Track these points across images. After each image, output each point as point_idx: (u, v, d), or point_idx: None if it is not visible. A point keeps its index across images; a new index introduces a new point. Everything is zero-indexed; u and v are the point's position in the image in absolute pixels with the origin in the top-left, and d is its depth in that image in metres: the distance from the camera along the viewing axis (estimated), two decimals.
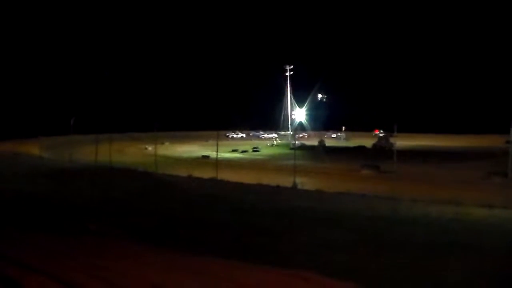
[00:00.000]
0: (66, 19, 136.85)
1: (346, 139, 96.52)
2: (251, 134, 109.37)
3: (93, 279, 6.91)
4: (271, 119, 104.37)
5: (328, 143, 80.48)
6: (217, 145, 31.80)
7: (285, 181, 24.98)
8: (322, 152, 58.89)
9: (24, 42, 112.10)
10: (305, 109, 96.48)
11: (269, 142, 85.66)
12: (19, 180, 24.25)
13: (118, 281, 6.87)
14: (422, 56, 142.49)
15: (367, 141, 72.36)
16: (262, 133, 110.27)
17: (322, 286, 7.46)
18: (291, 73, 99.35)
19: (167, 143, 69.93)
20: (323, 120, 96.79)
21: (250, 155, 61.96)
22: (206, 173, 27.61)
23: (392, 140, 56.29)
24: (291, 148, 58.78)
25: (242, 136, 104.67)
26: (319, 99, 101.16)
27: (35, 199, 18.04)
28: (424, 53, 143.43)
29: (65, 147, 43.52)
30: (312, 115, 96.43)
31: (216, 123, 66.48)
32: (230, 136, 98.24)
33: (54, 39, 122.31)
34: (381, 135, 67.90)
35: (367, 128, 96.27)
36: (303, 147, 65.30)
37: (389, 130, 55.38)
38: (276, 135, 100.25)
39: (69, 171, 30.82)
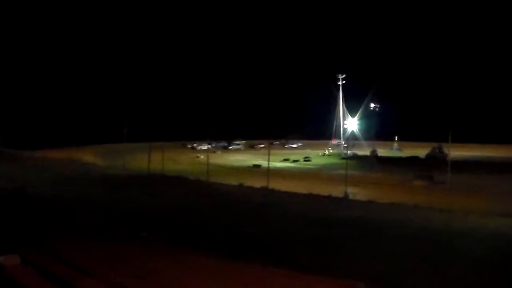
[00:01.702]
0: (119, 30, 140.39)
1: (400, 149, 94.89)
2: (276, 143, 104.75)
3: (143, 283, 7.16)
4: (324, 128, 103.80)
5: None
6: (269, 154, 31.96)
7: (337, 191, 24.88)
8: (374, 162, 58.25)
9: (80, 53, 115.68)
10: (357, 118, 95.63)
11: (321, 151, 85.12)
12: (74, 186, 25.08)
13: (167, 286, 7.11)
14: (478, 65, 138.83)
15: (421, 151, 70.94)
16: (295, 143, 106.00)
17: None
18: (344, 82, 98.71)
19: (219, 152, 70.74)
20: (375, 129, 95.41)
21: (301, 165, 61.84)
22: (257, 182, 27.77)
23: (446, 150, 55.19)
24: (343, 158, 58.44)
25: (297, 146, 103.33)
26: (372, 108, 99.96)
27: (90, 204, 18.63)
28: (481, 62, 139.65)
29: (119, 155, 44.60)
30: (365, 125, 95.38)
31: (268, 132, 66.77)
32: (230, 148, 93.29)
33: (109, 50, 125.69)
34: (434, 148, 66.11)
35: (421, 138, 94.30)
36: (355, 157, 64.78)
37: (443, 140, 54.12)
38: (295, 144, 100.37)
39: (122, 178, 31.62)
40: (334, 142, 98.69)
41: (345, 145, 75.31)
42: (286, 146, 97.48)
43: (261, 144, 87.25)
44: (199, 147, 75.61)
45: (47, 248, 9.42)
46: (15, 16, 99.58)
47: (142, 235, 12.44)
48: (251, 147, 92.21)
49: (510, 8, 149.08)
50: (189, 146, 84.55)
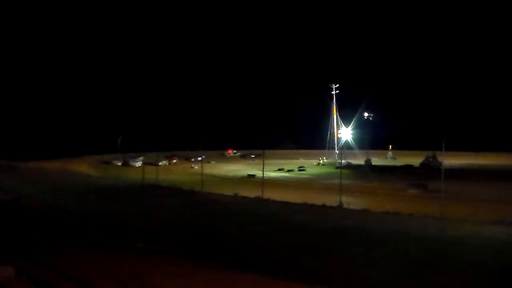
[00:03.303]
0: (112, 41, 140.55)
1: (394, 157, 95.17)
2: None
3: None
4: (317, 137, 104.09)
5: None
6: (263, 164, 31.95)
7: (331, 200, 24.88)
8: (368, 171, 58.37)
9: (75, 65, 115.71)
10: (351, 127, 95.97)
11: (316, 161, 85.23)
12: (68, 197, 25.02)
13: None
14: (471, 74, 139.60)
15: (415, 160, 71.21)
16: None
17: None
18: (337, 91, 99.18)
19: (213, 162, 70.66)
20: (369, 138, 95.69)
21: (295, 174, 61.92)
22: (252, 192, 27.75)
23: (439, 158, 55.36)
24: (337, 167, 58.46)
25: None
26: (365, 117, 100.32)
27: (85, 215, 18.60)
28: (474, 71, 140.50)
29: (113, 166, 44.56)
30: (359, 134, 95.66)
31: (262, 142, 66.75)
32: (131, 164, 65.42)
33: (104, 60, 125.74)
34: (431, 156, 66.20)
35: (415, 146, 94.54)
36: (349, 166, 64.84)
37: (437, 149, 54.28)
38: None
39: (117, 189, 31.51)
40: (230, 153, 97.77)
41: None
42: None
43: (198, 157, 63.73)
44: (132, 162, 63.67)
45: (42, 260, 9.39)
46: (8, 24, 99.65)
47: (137, 246, 12.41)
48: (187, 159, 77.73)
49: (504, 17, 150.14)
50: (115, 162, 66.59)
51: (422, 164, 68.52)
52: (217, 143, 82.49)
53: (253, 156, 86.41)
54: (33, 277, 7.73)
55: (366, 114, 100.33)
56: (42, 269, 8.59)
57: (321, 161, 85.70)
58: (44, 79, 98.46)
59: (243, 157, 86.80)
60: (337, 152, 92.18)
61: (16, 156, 52.28)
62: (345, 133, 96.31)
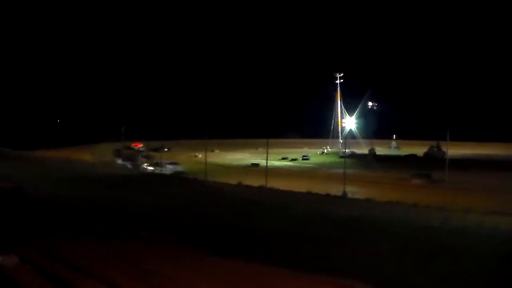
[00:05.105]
0: (114, 32, 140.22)
1: (398, 147, 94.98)
2: None
3: (141, 284, 7.16)
4: (322, 127, 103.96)
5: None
6: (267, 153, 31.94)
7: (335, 189, 24.89)
8: (372, 160, 58.33)
9: (78, 54, 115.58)
10: (355, 117, 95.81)
11: (320, 150, 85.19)
12: (73, 185, 25.04)
13: (165, 287, 7.11)
14: (476, 63, 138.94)
15: (419, 150, 71.06)
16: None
17: None
18: (341, 80, 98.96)
19: (217, 151, 70.65)
20: (373, 128, 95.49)
21: (299, 163, 61.97)
22: (255, 181, 27.77)
23: (443, 148, 55.26)
24: (341, 157, 58.49)
25: None
26: (370, 107, 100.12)
27: (89, 204, 18.60)
28: (479, 60, 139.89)
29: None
30: (363, 123, 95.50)
31: (266, 131, 66.75)
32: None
33: (106, 50, 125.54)
34: (434, 147, 65.77)
35: (419, 136, 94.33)
36: (353, 156, 64.81)
37: (441, 139, 54.13)
38: None
39: (120, 177, 31.56)
40: (140, 146, 71.24)
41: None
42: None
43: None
44: None
45: (46, 248, 9.41)
46: (13, 14, 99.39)
47: (141, 235, 12.41)
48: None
49: (506, 7, 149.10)
50: None
51: (426, 154, 68.43)
52: (222, 132, 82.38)
53: (166, 149, 65.90)
54: (36, 266, 7.75)
55: (370, 104, 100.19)
56: (46, 257, 8.61)
57: (325, 150, 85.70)
58: (50, 69, 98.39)
59: (155, 150, 63.66)
60: (341, 141, 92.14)
61: (21, 145, 52.37)
62: (349, 122, 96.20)
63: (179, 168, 42.31)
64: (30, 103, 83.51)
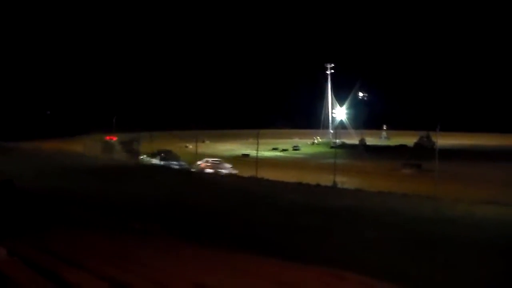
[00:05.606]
0: (107, 23, 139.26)
1: (388, 138, 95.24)
2: None
3: (132, 275, 7.13)
4: (312, 117, 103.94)
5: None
6: (258, 143, 31.97)
7: (325, 179, 24.95)
8: (363, 151, 58.47)
9: (70, 46, 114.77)
10: (346, 107, 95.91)
11: (310, 140, 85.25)
12: (64, 177, 24.86)
13: (158, 279, 7.08)
14: (467, 53, 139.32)
15: (409, 140, 71.31)
16: None
17: (360, 285, 7.50)
18: (332, 71, 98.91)
19: (207, 142, 70.42)
20: (364, 118, 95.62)
21: (290, 154, 62.01)
22: (246, 171, 27.84)
23: (433, 138, 55.47)
24: (332, 147, 58.54)
25: None
26: (360, 97, 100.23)
27: (81, 196, 18.46)
28: (469, 50, 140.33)
29: (107, 145, 44.38)
30: (353, 114, 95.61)
31: (256, 121, 66.72)
32: None
33: (98, 41, 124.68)
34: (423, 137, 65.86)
35: (409, 126, 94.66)
36: (343, 146, 64.90)
37: (431, 129, 54.34)
38: None
39: (112, 169, 31.41)
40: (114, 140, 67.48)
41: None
42: None
43: None
44: None
45: (35, 240, 9.36)
46: (8, 11, 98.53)
47: (134, 227, 12.37)
48: None
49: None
50: None
51: (416, 144, 68.62)
52: (213, 123, 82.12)
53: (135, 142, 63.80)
54: (24, 258, 7.71)
55: (360, 94, 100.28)
56: (35, 250, 8.56)
57: (315, 141, 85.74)
58: (39, 59, 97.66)
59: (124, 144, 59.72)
60: (332, 131, 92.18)
61: (12, 137, 51.91)
62: (340, 113, 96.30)
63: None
64: (19, 94, 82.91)
